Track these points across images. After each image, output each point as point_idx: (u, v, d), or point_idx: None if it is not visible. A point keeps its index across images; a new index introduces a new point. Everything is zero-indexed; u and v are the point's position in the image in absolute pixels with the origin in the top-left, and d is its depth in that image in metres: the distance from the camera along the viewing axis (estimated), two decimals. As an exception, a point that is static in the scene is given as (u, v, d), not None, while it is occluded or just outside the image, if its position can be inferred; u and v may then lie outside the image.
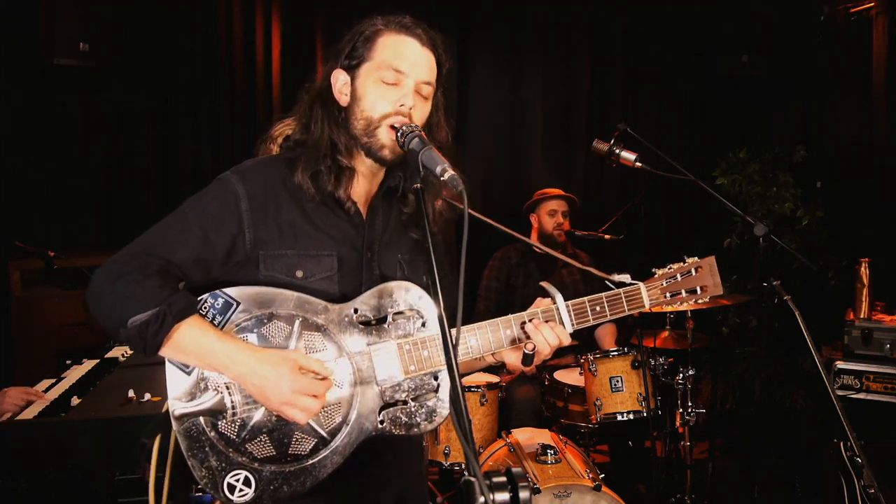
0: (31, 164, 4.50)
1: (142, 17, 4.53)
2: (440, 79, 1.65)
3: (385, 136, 1.56)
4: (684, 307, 3.48)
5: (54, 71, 4.19)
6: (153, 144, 4.74)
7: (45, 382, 2.81)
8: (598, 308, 1.69)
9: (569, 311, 1.66)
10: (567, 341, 1.64)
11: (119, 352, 3.13)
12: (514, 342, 1.64)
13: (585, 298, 1.68)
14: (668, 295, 1.77)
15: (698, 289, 1.78)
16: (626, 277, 1.74)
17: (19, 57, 4.28)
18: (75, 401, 2.53)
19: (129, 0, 4.46)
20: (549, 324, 1.63)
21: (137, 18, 4.50)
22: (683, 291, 1.78)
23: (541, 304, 1.68)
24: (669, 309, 1.84)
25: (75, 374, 2.94)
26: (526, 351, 1.60)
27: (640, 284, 1.74)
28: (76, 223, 4.61)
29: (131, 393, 2.53)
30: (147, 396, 2.52)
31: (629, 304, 1.72)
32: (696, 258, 1.80)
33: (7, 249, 3.90)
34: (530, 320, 1.64)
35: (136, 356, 3.02)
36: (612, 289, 1.73)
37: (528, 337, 1.62)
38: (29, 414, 2.42)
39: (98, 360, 3.12)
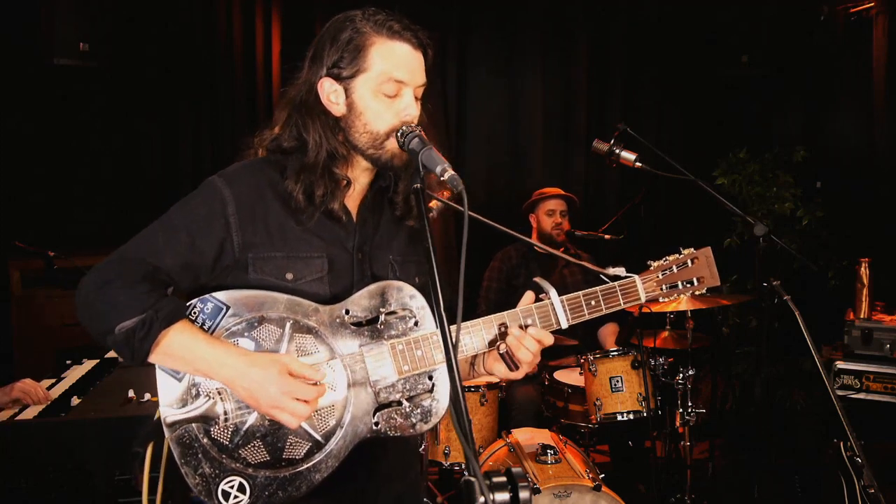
0: (31, 163, 4.50)
1: (142, 17, 4.53)
2: (427, 73, 1.61)
3: (393, 146, 1.54)
4: (682, 298, 3.50)
5: (54, 71, 4.19)
6: (153, 144, 4.74)
7: (45, 382, 2.81)
8: (592, 302, 1.66)
9: (564, 306, 1.64)
10: (549, 341, 1.60)
11: (119, 352, 3.13)
12: (493, 343, 1.60)
13: (580, 293, 1.66)
14: (664, 287, 1.75)
15: (695, 280, 1.77)
16: (620, 270, 1.72)
17: (19, 57, 4.28)
18: (75, 401, 2.53)
19: (129, 0, 4.47)
20: (528, 330, 1.58)
21: (137, 18, 4.50)
22: (680, 283, 1.76)
23: (529, 297, 1.64)
24: (667, 301, 1.80)
25: (75, 374, 2.94)
26: (499, 352, 1.57)
27: (636, 277, 1.72)
28: (76, 223, 4.61)
29: (131, 393, 2.54)
30: (147, 396, 2.52)
31: (625, 298, 1.70)
32: (691, 249, 1.78)
33: (7, 249, 3.90)
34: (506, 325, 1.59)
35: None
36: (608, 283, 1.71)
37: (503, 341, 1.57)
38: (29, 414, 2.42)
39: (98, 360, 3.13)
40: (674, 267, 1.76)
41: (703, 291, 1.79)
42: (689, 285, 1.77)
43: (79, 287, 1.44)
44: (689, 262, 1.77)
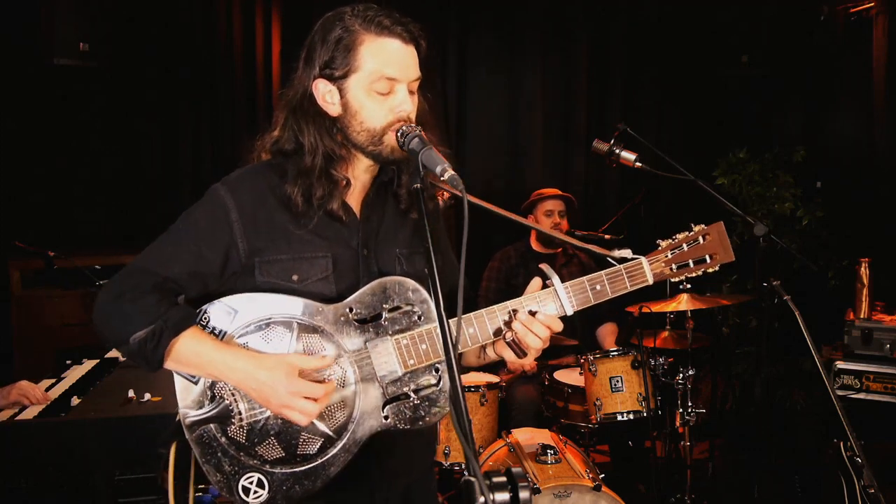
0: (31, 163, 4.51)
1: (142, 17, 4.53)
2: (422, 63, 1.59)
3: (391, 140, 1.54)
4: (683, 298, 3.50)
5: (54, 71, 4.20)
6: (153, 145, 4.74)
7: (46, 382, 2.81)
8: (598, 287, 1.62)
9: (568, 293, 1.61)
10: (558, 326, 1.58)
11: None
12: (499, 334, 1.60)
13: (584, 278, 1.62)
14: (674, 267, 1.68)
15: (707, 257, 1.70)
16: (626, 252, 1.66)
17: (19, 57, 4.28)
18: (75, 401, 2.53)
19: (129, 0, 4.47)
20: (537, 315, 1.57)
21: (137, 18, 4.50)
22: (691, 262, 1.69)
23: (537, 283, 1.63)
24: (677, 280, 1.73)
25: (75, 374, 2.94)
26: (505, 340, 1.57)
27: (643, 259, 1.66)
28: (76, 223, 4.61)
29: (131, 393, 2.54)
30: (147, 396, 2.52)
31: (631, 281, 1.64)
32: (702, 225, 1.70)
33: (7, 249, 3.90)
34: (515, 310, 1.59)
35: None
36: (614, 266, 1.65)
37: (510, 329, 1.57)
38: (29, 414, 2.42)
39: (98, 360, 3.13)
40: (684, 245, 1.69)
41: (716, 268, 1.71)
42: (700, 263, 1.70)
43: (94, 303, 1.50)
44: (700, 238, 1.70)
